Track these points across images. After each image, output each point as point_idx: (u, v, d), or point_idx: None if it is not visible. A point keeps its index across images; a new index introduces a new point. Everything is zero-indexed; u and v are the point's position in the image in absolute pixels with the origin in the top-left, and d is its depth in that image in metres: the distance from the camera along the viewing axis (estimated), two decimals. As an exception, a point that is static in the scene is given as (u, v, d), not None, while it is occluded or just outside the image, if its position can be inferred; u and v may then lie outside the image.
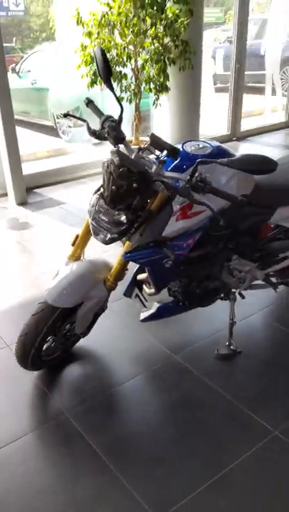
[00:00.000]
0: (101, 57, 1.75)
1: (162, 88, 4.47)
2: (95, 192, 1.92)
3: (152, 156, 1.84)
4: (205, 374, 2.19)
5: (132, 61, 4.36)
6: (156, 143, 1.72)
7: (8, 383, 2.17)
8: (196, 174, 1.66)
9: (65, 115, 1.98)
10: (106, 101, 5.38)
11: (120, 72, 4.35)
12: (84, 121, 1.88)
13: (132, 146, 1.86)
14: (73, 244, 2.11)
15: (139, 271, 2.29)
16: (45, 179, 4.71)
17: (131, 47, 4.33)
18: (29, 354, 1.98)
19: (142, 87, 4.52)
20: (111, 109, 2.27)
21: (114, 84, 4.34)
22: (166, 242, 1.87)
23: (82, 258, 2.12)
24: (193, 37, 4.47)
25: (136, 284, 2.30)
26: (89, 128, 1.85)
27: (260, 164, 1.55)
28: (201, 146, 1.90)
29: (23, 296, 2.85)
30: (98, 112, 1.88)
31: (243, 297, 2.35)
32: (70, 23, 4.29)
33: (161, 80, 4.42)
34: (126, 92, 4.47)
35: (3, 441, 1.87)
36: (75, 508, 1.62)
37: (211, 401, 2.04)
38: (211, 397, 2.06)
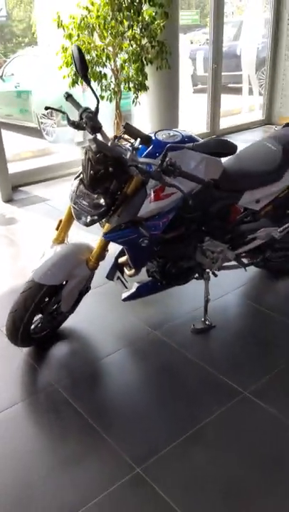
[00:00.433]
0: (78, 55, 1.93)
1: (141, 87, 4.67)
2: (76, 178, 2.09)
3: (127, 144, 2.02)
4: (182, 346, 2.37)
5: (112, 61, 4.55)
6: (131, 131, 1.90)
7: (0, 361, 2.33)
8: (167, 159, 1.84)
9: (46, 108, 2.16)
10: (87, 100, 5.55)
11: (100, 72, 4.53)
12: (63, 113, 2.06)
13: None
14: (57, 229, 2.28)
15: (120, 255, 2.46)
16: (30, 178, 4.87)
17: (110, 48, 4.51)
18: (19, 329, 2.15)
19: (122, 86, 4.70)
20: (92, 107, 2.44)
21: (95, 84, 4.52)
22: (142, 222, 2.05)
23: (65, 241, 2.29)
24: (169, 38, 4.67)
25: (117, 267, 2.47)
26: (68, 119, 2.03)
27: (221, 147, 1.74)
28: (171, 134, 2.08)
29: (11, 284, 3.00)
30: (77, 104, 2.05)
31: (215, 275, 2.53)
32: (51, 27, 4.46)
33: (140, 79, 4.61)
34: (106, 91, 4.65)
35: (-5, 409, 2.03)
36: (63, 464, 1.79)
37: (187, 368, 2.23)
38: (187, 365, 2.25)
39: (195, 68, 9.70)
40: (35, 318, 2.24)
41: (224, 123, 6.58)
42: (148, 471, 1.72)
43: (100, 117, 2.02)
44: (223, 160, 2.23)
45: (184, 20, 9.16)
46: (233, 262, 2.58)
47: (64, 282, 2.20)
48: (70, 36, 4.34)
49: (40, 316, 2.30)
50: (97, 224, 2.13)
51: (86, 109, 2.00)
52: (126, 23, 4.37)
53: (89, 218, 2.04)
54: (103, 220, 2.09)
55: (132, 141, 2.01)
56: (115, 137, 1.97)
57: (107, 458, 1.79)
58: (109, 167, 1.88)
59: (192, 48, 10.22)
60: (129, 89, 4.71)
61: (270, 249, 2.69)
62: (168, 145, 1.84)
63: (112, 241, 2.11)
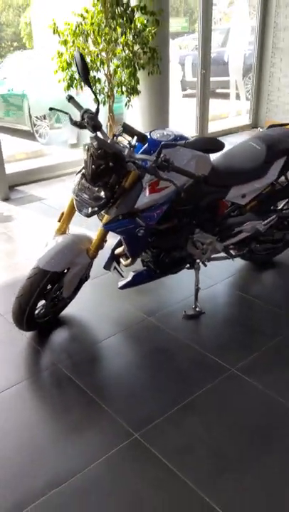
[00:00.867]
0: (80, 61, 2.12)
1: (133, 91, 4.88)
2: (78, 173, 2.28)
3: (125, 142, 2.22)
4: (174, 330, 2.56)
5: (105, 67, 4.75)
6: (128, 130, 2.10)
7: (5, 344, 2.50)
8: (161, 155, 2.03)
9: (51, 109, 2.35)
10: (82, 103, 5.73)
11: (94, 77, 4.72)
12: (66, 113, 2.25)
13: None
14: (59, 220, 2.46)
15: (116, 246, 2.65)
16: (26, 177, 5.05)
17: (103, 54, 4.72)
18: (24, 313, 2.32)
19: (115, 90, 4.90)
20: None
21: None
22: (139, 214, 2.24)
23: (67, 232, 2.47)
24: (160, 45, 4.89)
25: (114, 258, 2.65)
26: (71, 119, 2.22)
27: (210, 144, 1.95)
28: (165, 133, 2.28)
29: (10, 277, 3.17)
30: (78, 105, 2.24)
31: (205, 265, 2.72)
32: (46, 32, 4.65)
33: (132, 83, 4.82)
34: (100, 95, 4.84)
35: (2, 385, 2.20)
36: (67, 432, 1.96)
37: (179, 349, 2.42)
38: (179, 346, 2.44)
39: (184, 73, 9.96)
40: (38, 305, 2.41)
41: (212, 127, 6.82)
42: (145, 437, 1.91)
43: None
44: (212, 158, 2.43)
45: (173, 28, 9.41)
46: (222, 253, 2.78)
47: (66, 270, 2.38)
48: (65, 42, 4.54)
49: (43, 302, 2.47)
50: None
51: (87, 110, 2.19)
52: (119, 30, 4.58)
53: (90, 210, 2.22)
54: (102, 212, 2.28)
55: (130, 139, 2.20)
56: (114, 135, 2.16)
57: (107, 426, 1.97)
58: (109, 162, 2.07)
59: (181, 53, 10.49)
60: (122, 93, 4.91)
61: (255, 241, 2.89)
62: (162, 143, 2.04)
63: (111, 231, 2.30)
